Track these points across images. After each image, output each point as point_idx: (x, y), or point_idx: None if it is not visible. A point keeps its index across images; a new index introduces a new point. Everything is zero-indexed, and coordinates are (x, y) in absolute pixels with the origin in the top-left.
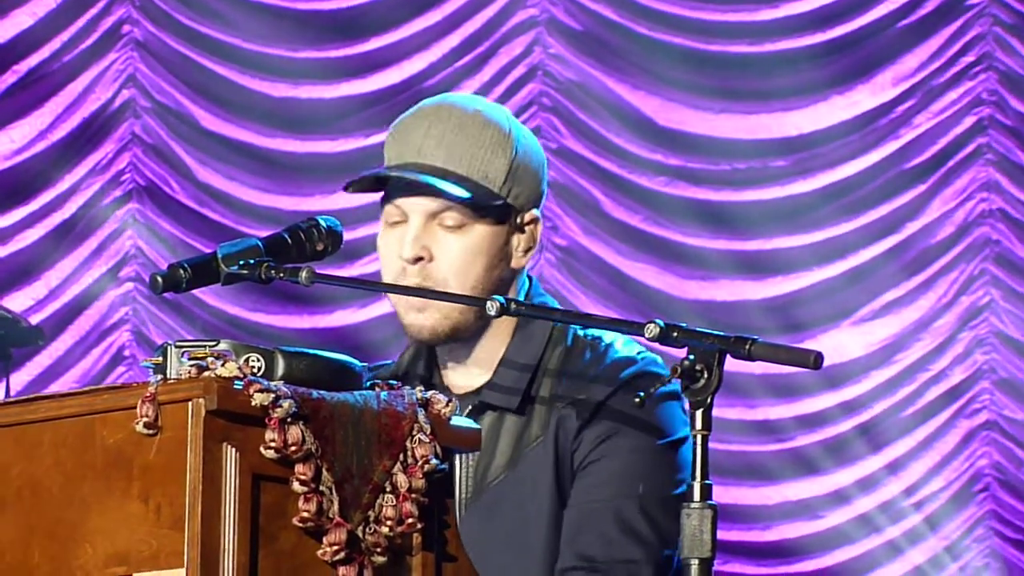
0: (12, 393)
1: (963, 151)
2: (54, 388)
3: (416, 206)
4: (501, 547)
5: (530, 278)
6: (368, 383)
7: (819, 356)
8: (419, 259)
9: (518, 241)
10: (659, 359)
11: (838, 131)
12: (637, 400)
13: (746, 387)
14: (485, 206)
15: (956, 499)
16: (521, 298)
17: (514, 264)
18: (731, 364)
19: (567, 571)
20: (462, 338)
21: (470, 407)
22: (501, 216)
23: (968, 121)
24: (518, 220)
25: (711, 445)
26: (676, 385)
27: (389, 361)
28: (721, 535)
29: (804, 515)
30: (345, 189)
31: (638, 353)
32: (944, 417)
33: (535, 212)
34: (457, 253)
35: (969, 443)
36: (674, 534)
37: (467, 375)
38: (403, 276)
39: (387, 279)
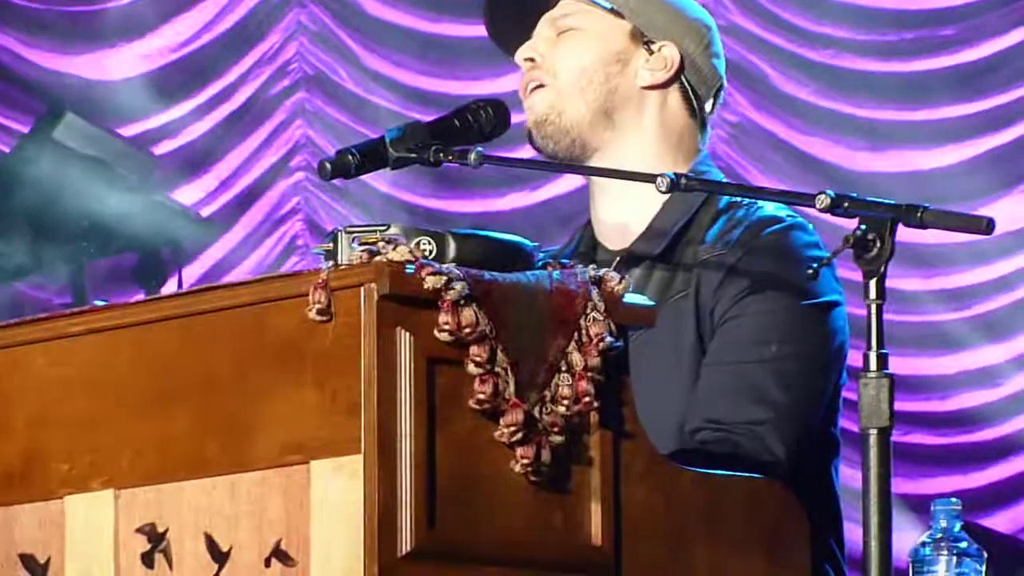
0: (185, 287)
1: None
2: (227, 280)
3: (538, 25)
4: (640, 399)
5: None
6: (540, 263)
7: (991, 222)
8: (530, 60)
9: (645, 60)
10: (809, 223)
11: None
12: (810, 272)
13: (925, 257)
14: (594, 5)
15: None
16: (694, 159)
17: (640, 81)
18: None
19: (694, 432)
20: (580, 138)
21: (618, 259)
22: (617, 27)
23: None
24: (645, 41)
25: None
26: (823, 246)
27: (556, 247)
28: (899, 405)
29: (983, 383)
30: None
31: (787, 215)
32: None
33: (669, 43)
34: (566, 46)
35: None
36: (815, 395)
37: (622, 240)
38: (522, 90)
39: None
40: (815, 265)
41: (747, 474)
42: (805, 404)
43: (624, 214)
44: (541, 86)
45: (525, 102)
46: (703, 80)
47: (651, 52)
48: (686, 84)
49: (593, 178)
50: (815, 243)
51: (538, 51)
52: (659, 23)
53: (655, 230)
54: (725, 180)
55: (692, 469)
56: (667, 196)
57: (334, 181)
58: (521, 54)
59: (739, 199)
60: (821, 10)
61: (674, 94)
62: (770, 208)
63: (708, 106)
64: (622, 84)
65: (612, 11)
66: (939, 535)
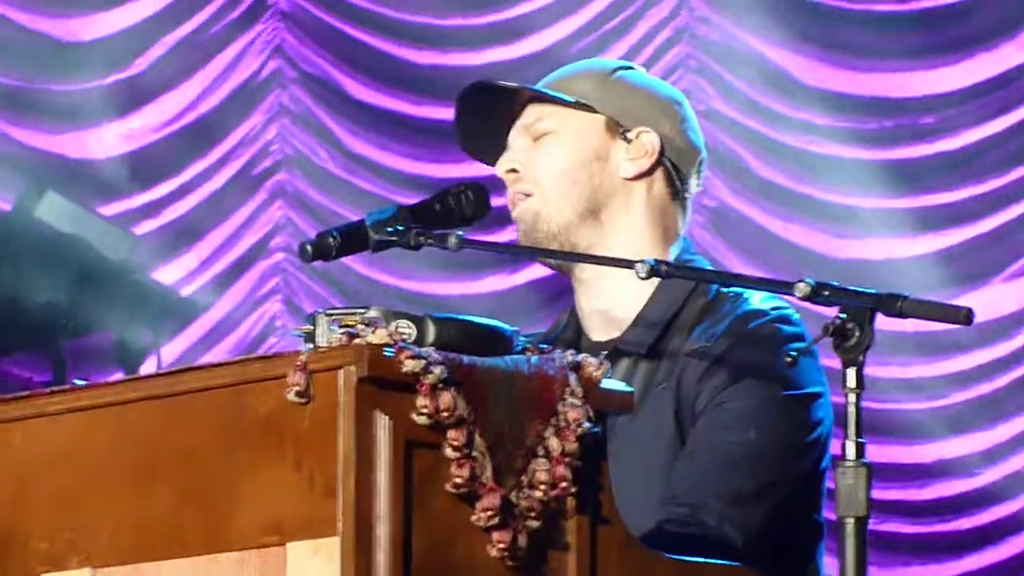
0: (164, 366)
1: None
2: (206, 360)
3: (512, 133)
4: (619, 488)
5: (685, 239)
6: (519, 348)
7: (970, 312)
8: (512, 171)
9: (623, 151)
10: (795, 313)
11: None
12: (788, 360)
13: (900, 346)
14: (562, 105)
15: None
16: (676, 250)
17: (623, 173)
18: (883, 323)
19: (666, 502)
20: (569, 241)
21: (605, 353)
22: (591, 122)
23: None
24: (621, 130)
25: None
26: (809, 339)
27: (542, 330)
28: (876, 494)
29: (960, 473)
30: (461, 143)
31: (772, 308)
32: None
33: (646, 128)
34: (545, 151)
35: None
36: (784, 483)
37: (608, 330)
38: (510, 203)
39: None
40: (793, 353)
41: (722, 560)
42: (773, 491)
43: (609, 305)
44: (527, 196)
45: (513, 213)
46: (684, 158)
47: (629, 141)
48: (668, 165)
49: (575, 271)
50: (799, 335)
51: (518, 161)
52: (631, 110)
53: (645, 321)
54: (709, 267)
55: (666, 555)
56: (655, 287)
57: (314, 263)
58: (501, 166)
59: (728, 292)
60: (800, 97)
61: (658, 179)
62: (756, 301)
63: (692, 183)
64: (605, 180)
65: (583, 106)
66: None
